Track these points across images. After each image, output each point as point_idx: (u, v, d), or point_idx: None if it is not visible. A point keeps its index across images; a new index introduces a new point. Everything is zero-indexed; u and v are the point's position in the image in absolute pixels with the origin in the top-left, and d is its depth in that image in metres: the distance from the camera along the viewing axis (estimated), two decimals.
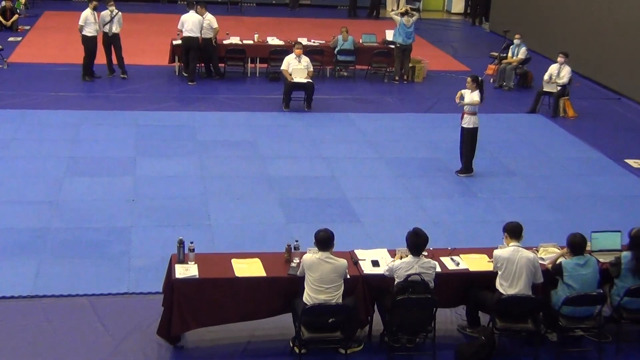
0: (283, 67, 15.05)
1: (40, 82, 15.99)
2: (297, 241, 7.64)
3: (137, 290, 8.28)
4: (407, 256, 7.24)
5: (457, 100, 11.79)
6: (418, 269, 7.10)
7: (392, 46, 17.48)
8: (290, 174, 11.77)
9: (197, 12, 16.24)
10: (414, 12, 18.01)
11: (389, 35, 17.80)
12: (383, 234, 9.81)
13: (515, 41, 17.54)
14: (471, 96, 11.59)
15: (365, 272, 7.47)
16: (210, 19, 16.36)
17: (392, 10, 17.83)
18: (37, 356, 7.13)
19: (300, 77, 14.81)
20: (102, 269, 8.69)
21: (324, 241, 7.05)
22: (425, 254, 7.35)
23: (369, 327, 7.60)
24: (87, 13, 15.79)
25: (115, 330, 7.56)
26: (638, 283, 7.48)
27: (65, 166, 11.57)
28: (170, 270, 7.31)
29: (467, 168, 12.02)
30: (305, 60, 15.07)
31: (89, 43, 15.93)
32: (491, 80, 18.03)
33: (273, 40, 17.63)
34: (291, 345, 7.35)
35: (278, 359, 7.33)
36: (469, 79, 11.69)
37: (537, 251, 7.88)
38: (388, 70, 17.83)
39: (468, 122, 11.74)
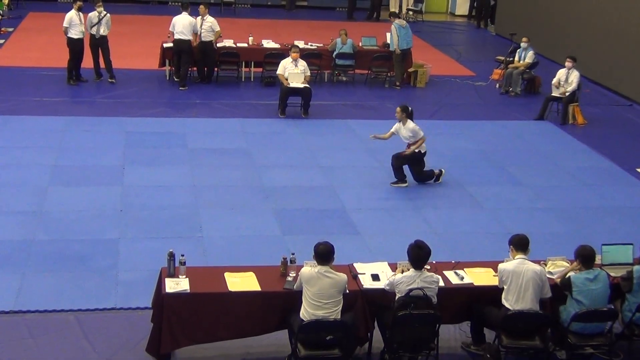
0: (279, 71, 15.09)
1: (24, 86, 16.02)
2: (293, 254, 7.66)
3: (125, 306, 8.29)
4: (408, 270, 7.26)
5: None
6: (420, 284, 7.12)
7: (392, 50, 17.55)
8: (286, 184, 11.79)
9: (199, 12, 16.35)
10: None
11: (390, 38, 17.86)
12: (383, 246, 9.83)
13: (523, 45, 17.61)
14: (411, 130, 11.59)
15: (364, 286, 7.49)
16: (211, 21, 16.46)
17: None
18: None
19: (296, 82, 14.85)
20: (88, 283, 8.69)
21: (324, 255, 7.08)
22: (428, 267, 7.38)
23: (369, 344, 7.60)
24: (72, 14, 15.84)
25: (102, 347, 7.56)
26: None
27: (50, 175, 11.59)
28: (160, 285, 7.32)
29: (401, 179, 11.98)
30: (302, 64, 15.12)
31: (74, 46, 15.97)
32: (497, 86, 18.10)
33: (268, 43, 17.69)
34: None
35: None
36: (398, 109, 11.66)
37: (545, 265, 7.90)
38: (389, 74, 17.89)
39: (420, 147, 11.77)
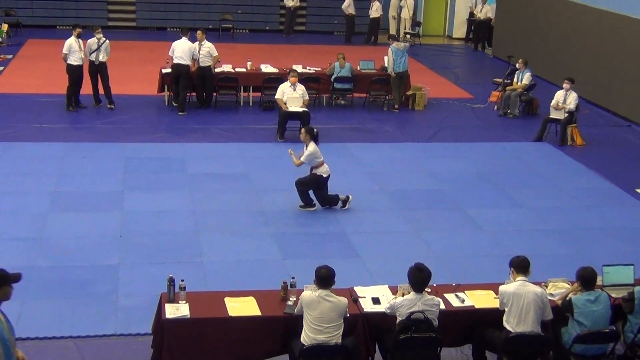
0: (277, 95, 15.14)
1: (23, 113, 16.05)
2: (293, 278, 7.65)
3: (125, 332, 8.27)
4: (409, 293, 7.25)
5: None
6: (421, 307, 7.11)
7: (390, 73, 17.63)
8: (285, 208, 11.79)
9: (197, 38, 16.45)
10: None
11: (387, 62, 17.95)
12: (384, 269, 9.81)
13: (518, 66, 17.67)
14: (309, 153, 11.40)
15: (365, 310, 7.47)
16: (209, 46, 16.55)
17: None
18: None
19: (295, 106, 14.89)
20: (88, 309, 8.67)
21: (326, 279, 7.07)
22: (429, 290, 7.37)
23: None
24: (71, 41, 15.93)
25: None
26: None
27: (50, 201, 11.59)
28: (160, 310, 7.30)
29: (308, 204, 11.78)
30: (301, 88, 15.17)
31: (74, 72, 16.04)
32: (495, 108, 18.15)
33: (267, 68, 17.76)
34: None
35: None
36: (302, 131, 11.52)
37: (546, 286, 7.89)
38: (387, 98, 17.94)
39: (317, 170, 11.58)
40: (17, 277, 6.13)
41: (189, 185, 12.52)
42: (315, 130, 11.62)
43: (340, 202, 11.86)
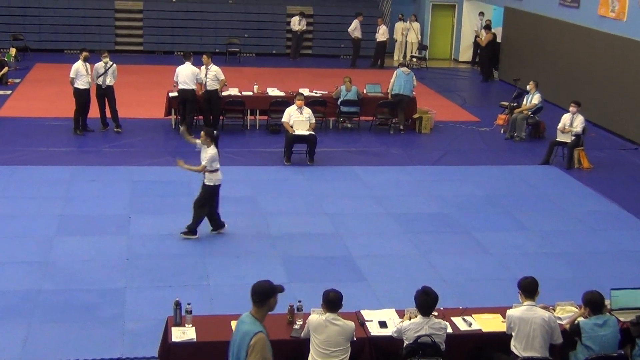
0: (284, 119, 15.20)
1: (31, 137, 16.14)
2: (300, 302, 7.66)
3: (132, 356, 8.26)
4: (416, 316, 7.25)
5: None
6: (428, 330, 7.10)
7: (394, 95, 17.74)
8: (292, 231, 11.81)
9: (202, 62, 16.53)
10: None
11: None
12: (391, 293, 9.81)
13: (528, 88, 17.68)
14: (209, 156, 11.06)
15: (372, 333, 7.47)
16: (216, 70, 16.63)
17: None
18: None
19: (302, 130, 14.95)
20: (94, 333, 8.68)
21: (333, 302, 7.08)
22: (436, 314, 7.37)
23: None
24: (79, 65, 16.04)
25: None
26: None
27: (57, 225, 11.62)
28: (167, 334, 7.31)
29: (192, 230, 11.41)
30: (307, 111, 15.23)
31: (80, 96, 16.13)
32: (502, 131, 18.18)
33: (273, 91, 17.85)
34: None
35: None
36: (202, 133, 11.15)
37: (554, 310, 7.88)
38: (393, 121, 17.99)
39: (209, 179, 11.25)
40: (281, 289, 6.31)
41: None
42: (215, 132, 11.35)
43: (219, 225, 11.55)
